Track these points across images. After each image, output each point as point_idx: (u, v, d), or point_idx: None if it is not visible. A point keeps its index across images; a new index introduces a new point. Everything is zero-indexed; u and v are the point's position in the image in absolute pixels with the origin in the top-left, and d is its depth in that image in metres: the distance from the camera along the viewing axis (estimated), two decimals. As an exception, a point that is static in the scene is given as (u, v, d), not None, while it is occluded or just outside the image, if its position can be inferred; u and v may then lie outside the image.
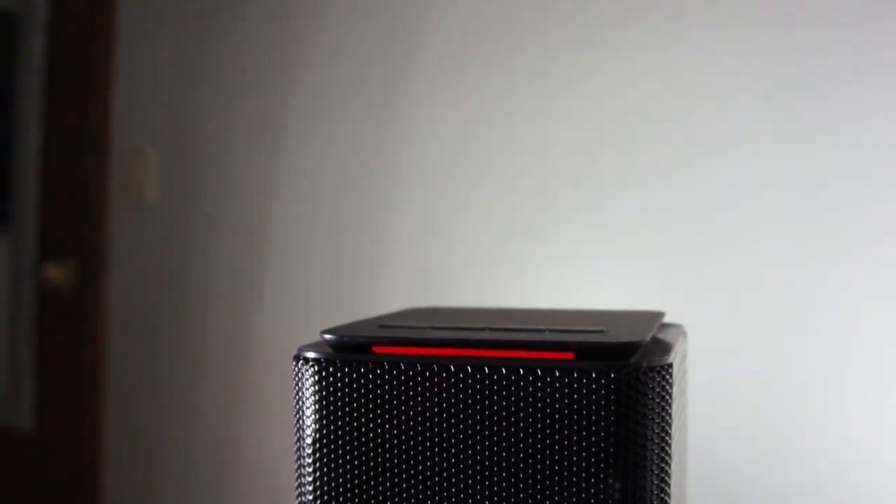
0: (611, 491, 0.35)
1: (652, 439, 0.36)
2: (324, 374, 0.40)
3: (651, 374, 0.36)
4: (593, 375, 0.35)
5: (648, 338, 0.38)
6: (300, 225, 1.77)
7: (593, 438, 0.35)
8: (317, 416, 0.41)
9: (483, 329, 0.39)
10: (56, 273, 2.02)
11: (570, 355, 0.35)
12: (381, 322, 0.43)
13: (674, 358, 0.37)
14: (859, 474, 1.21)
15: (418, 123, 1.62)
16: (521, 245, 1.51)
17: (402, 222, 1.65)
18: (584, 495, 0.36)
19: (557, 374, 0.35)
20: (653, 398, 0.36)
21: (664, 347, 0.39)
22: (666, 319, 0.49)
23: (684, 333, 0.49)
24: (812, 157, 1.26)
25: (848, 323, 1.22)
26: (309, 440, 0.41)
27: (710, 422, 1.16)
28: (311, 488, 0.41)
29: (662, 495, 0.37)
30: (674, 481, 0.37)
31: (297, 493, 0.43)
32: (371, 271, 1.67)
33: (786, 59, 1.28)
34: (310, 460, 0.41)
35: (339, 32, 1.72)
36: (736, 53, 1.32)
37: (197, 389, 1.90)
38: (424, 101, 1.62)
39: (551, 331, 0.38)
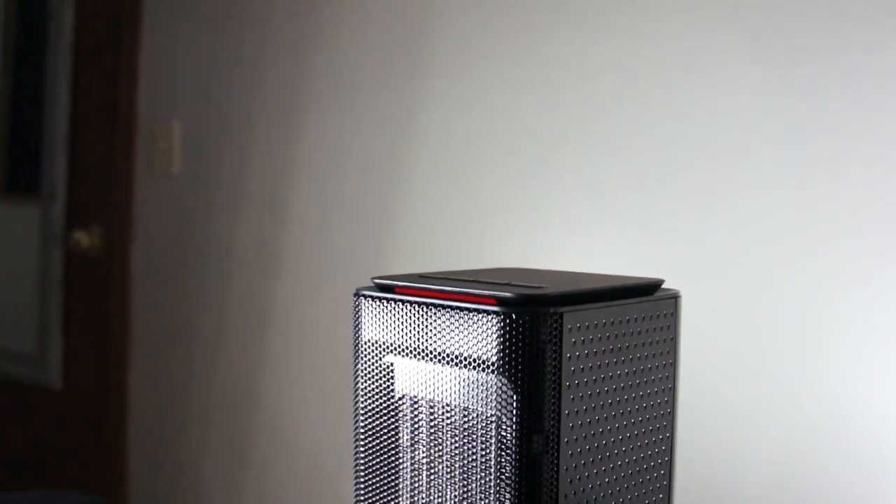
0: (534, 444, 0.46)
1: (547, 379, 0.47)
2: (367, 306, 0.53)
3: (534, 320, 0.47)
4: (493, 318, 0.47)
5: (551, 294, 0.48)
6: (318, 197, 1.88)
7: (502, 370, 0.47)
8: (366, 334, 0.53)
9: (465, 282, 0.51)
10: (84, 239, 2.13)
11: (492, 302, 0.48)
12: (422, 273, 0.55)
13: (581, 313, 0.48)
14: (850, 437, 1.30)
15: (431, 104, 1.72)
16: (535, 216, 1.61)
17: (414, 195, 1.75)
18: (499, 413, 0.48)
19: (479, 315, 0.48)
20: (545, 341, 0.47)
21: (573, 302, 0.50)
22: (665, 286, 0.59)
23: (674, 298, 0.58)
24: (809, 122, 1.33)
25: (839, 291, 1.31)
26: (362, 355, 0.54)
27: (702, 385, 1.26)
28: (364, 382, 0.53)
29: (550, 430, 0.48)
30: (580, 423, 0.48)
31: (353, 390, 0.54)
32: (384, 240, 1.78)
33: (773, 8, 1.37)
34: (362, 366, 0.53)
35: (358, 15, 1.82)
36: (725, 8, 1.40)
37: (218, 350, 2.02)
38: (437, 82, 1.72)
39: (504, 285, 0.50)
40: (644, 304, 0.55)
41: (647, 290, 0.57)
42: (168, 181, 2.08)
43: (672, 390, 0.57)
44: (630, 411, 0.53)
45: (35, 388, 2.24)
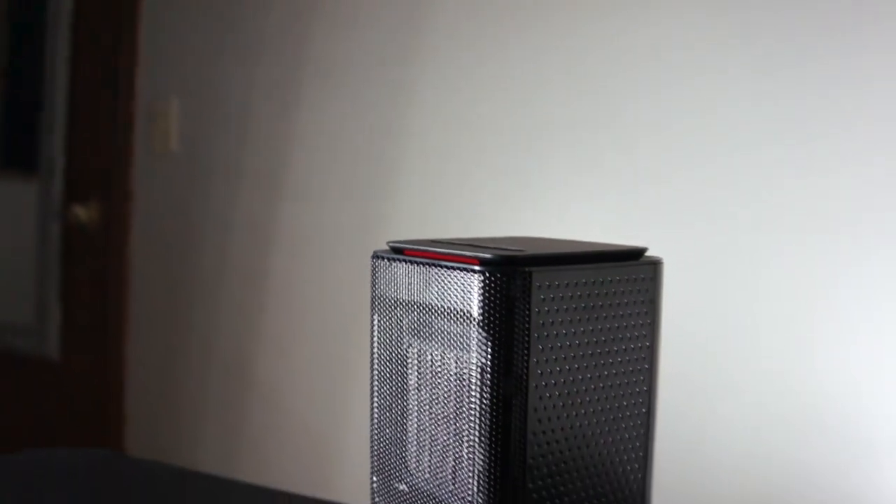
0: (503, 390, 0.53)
1: (517, 330, 0.53)
2: (381, 266, 0.59)
3: (506, 278, 0.53)
4: (475, 276, 0.54)
5: (524, 255, 0.54)
6: (314, 172, 1.92)
7: (481, 321, 0.53)
8: (379, 291, 0.59)
9: (462, 245, 0.57)
10: (82, 214, 2.17)
11: (475, 262, 0.53)
12: (434, 239, 0.61)
13: (550, 272, 0.54)
14: (825, 398, 1.36)
15: (426, 81, 1.76)
16: (527, 188, 1.66)
17: (409, 172, 1.79)
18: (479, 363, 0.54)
19: (465, 274, 0.55)
20: (515, 297, 0.53)
21: (545, 263, 0.55)
22: (648, 254, 0.64)
23: (655, 264, 0.63)
24: (790, 91, 1.37)
25: (817, 256, 1.36)
26: (376, 309, 0.59)
27: (682, 347, 1.31)
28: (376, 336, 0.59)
29: (520, 375, 0.54)
30: (551, 382, 0.54)
31: (370, 340, 0.60)
32: (379, 215, 1.82)
33: None
34: (375, 322, 0.58)
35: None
36: None
37: (216, 322, 2.06)
38: (432, 60, 1.76)
39: (490, 248, 0.56)
40: (622, 268, 0.60)
41: (631, 256, 0.62)
42: (167, 157, 2.12)
43: (650, 349, 0.62)
44: (605, 364, 0.59)
45: (34, 360, 2.28)
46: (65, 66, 2.21)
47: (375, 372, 0.62)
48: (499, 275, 0.53)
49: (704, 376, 1.43)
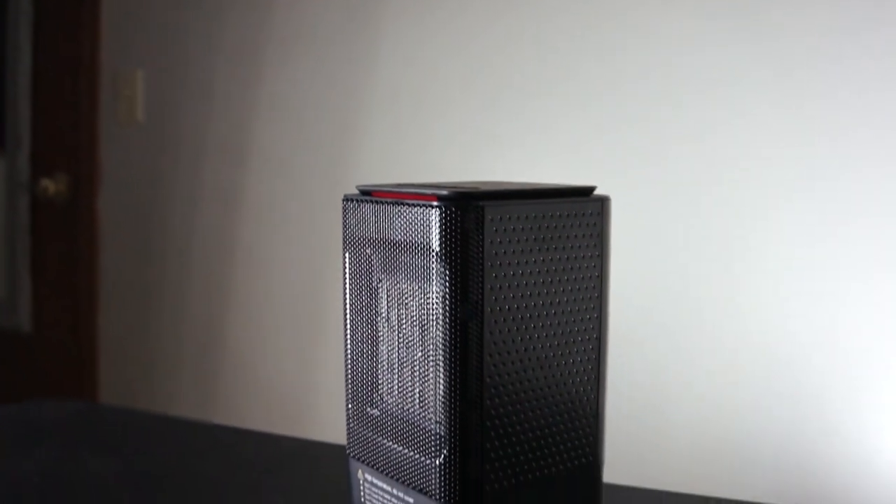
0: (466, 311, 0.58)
1: (472, 260, 0.58)
2: (351, 207, 0.64)
3: (461, 212, 0.58)
4: (434, 210, 0.59)
5: (478, 192, 0.59)
6: (280, 140, 1.95)
7: (440, 253, 0.59)
8: (350, 231, 0.63)
9: (424, 185, 0.63)
10: (50, 187, 2.18)
11: (433, 199, 0.59)
12: (400, 182, 0.66)
13: (501, 207, 0.59)
14: (773, 348, 1.42)
15: (389, 45, 1.80)
16: (491, 141, 1.70)
17: (373, 134, 1.83)
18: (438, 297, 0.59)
19: (425, 210, 0.59)
20: (469, 229, 0.58)
21: (498, 198, 0.60)
22: (597, 192, 0.69)
23: (602, 200, 0.69)
24: (737, 35, 1.43)
25: (775, 210, 1.42)
26: (348, 247, 0.64)
27: (632, 283, 1.37)
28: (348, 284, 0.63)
29: (475, 301, 0.59)
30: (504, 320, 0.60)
31: (342, 275, 0.64)
32: (345, 180, 1.86)
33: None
34: (347, 261, 0.63)
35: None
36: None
37: (186, 291, 2.10)
38: (395, 23, 1.79)
39: (448, 187, 0.61)
40: (571, 204, 0.65)
41: (580, 193, 0.67)
42: (133, 129, 2.14)
43: (600, 278, 0.67)
44: (556, 292, 0.64)
45: (5, 333, 2.30)
46: (28, 39, 2.22)
47: (348, 307, 0.67)
48: (454, 209, 0.58)
49: (661, 313, 1.49)
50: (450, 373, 0.58)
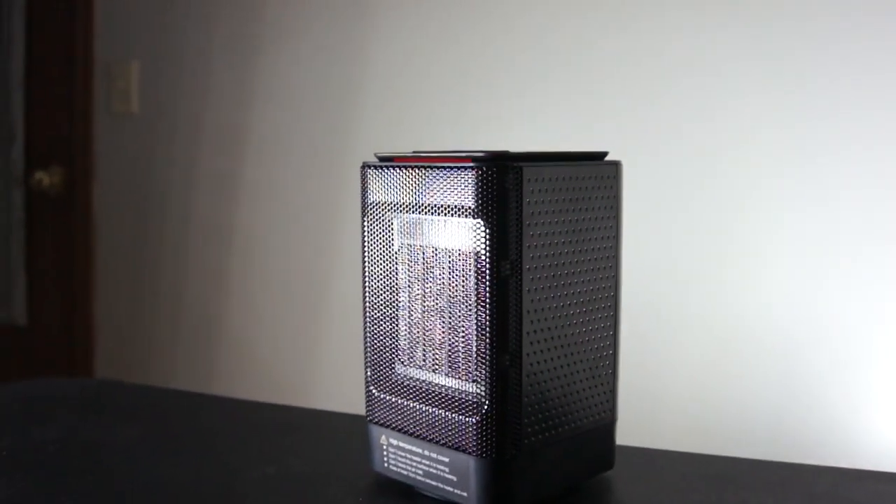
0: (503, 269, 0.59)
1: (511, 219, 0.60)
2: (372, 173, 0.65)
3: (501, 172, 0.60)
4: (470, 172, 0.61)
5: (514, 154, 0.61)
6: (275, 128, 1.96)
7: (477, 213, 0.60)
8: (371, 197, 0.65)
9: (447, 152, 0.64)
10: (44, 179, 2.18)
11: (468, 161, 0.61)
12: (415, 150, 0.67)
13: (537, 168, 0.61)
14: (772, 317, 1.44)
15: (383, 32, 1.81)
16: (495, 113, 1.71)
17: (368, 122, 1.84)
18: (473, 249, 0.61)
19: (459, 172, 0.61)
20: (509, 188, 0.60)
21: (532, 160, 0.62)
22: (609, 157, 0.71)
23: (616, 164, 0.71)
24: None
25: (776, 187, 1.44)
26: (368, 214, 0.65)
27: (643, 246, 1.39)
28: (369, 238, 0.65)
29: (515, 259, 0.60)
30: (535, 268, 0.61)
31: (361, 243, 0.65)
32: (342, 167, 1.87)
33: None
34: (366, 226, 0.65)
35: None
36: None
37: (182, 281, 2.10)
38: (394, 9, 1.80)
39: (478, 151, 0.62)
40: (591, 167, 0.67)
41: (595, 157, 0.69)
42: (128, 119, 2.14)
43: (615, 238, 0.69)
44: (581, 251, 0.66)
45: (1, 326, 2.30)
46: (21, 31, 2.22)
47: (367, 274, 0.68)
48: (495, 169, 0.59)
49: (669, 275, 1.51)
50: (491, 329, 0.59)
